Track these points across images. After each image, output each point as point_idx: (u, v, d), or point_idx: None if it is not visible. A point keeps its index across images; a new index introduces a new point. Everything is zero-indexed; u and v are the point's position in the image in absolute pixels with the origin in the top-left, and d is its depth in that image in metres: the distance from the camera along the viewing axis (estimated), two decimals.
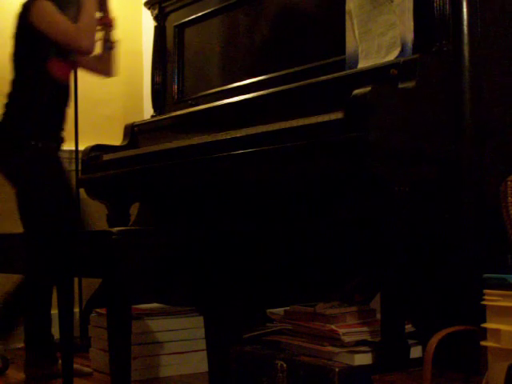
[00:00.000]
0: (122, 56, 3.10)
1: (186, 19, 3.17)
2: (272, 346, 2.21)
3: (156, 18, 3.36)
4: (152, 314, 2.69)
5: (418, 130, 2.02)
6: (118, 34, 2.95)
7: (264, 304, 2.46)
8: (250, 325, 2.42)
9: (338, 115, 2.02)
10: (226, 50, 3.01)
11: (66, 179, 2.74)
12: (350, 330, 2.05)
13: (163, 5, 3.31)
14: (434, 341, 1.77)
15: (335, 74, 2.31)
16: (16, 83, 2.68)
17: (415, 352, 2.04)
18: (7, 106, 2.69)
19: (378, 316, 2.10)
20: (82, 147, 3.24)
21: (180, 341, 2.68)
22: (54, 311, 2.47)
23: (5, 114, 2.68)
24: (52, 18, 2.62)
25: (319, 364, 2.00)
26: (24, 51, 2.68)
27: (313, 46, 2.59)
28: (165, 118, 3.10)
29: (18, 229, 3.44)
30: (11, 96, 2.69)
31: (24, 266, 2.32)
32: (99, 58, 2.92)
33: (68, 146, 3.51)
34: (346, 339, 2.02)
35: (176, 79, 3.21)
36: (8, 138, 2.66)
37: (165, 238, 2.35)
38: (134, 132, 3.25)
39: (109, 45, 2.93)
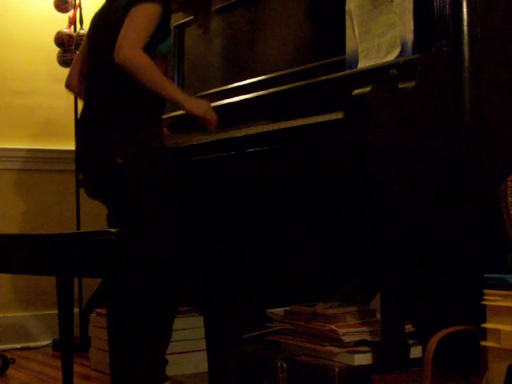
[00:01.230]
0: None
1: (186, 19, 3.17)
2: (272, 345, 2.21)
3: None
4: None
5: (418, 130, 2.02)
6: None
7: (264, 304, 2.46)
8: (250, 325, 2.42)
9: (337, 115, 2.02)
10: (226, 49, 3.00)
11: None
12: (350, 329, 2.04)
13: None
14: (433, 341, 1.77)
15: (335, 74, 2.31)
16: (114, 78, 2.42)
17: (415, 352, 2.04)
18: (108, 100, 2.46)
19: (378, 316, 2.10)
20: None
21: (180, 341, 2.68)
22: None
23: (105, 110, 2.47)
24: (140, 20, 2.36)
25: (319, 364, 2.00)
26: None
27: (313, 45, 2.59)
28: (165, 118, 3.09)
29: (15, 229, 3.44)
30: (108, 91, 2.46)
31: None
32: None
33: (68, 145, 3.52)
34: (346, 339, 2.01)
35: (176, 79, 3.20)
36: (109, 131, 2.43)
37: (165, 238, 2.35)
38: None
39: None
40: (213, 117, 2.52)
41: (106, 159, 2.41)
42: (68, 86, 2.72)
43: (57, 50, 3.57)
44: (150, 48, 2.39)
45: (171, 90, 2.50)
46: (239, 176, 2.46)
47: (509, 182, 1.97)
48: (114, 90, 2.46)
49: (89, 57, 2.60)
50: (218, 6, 2.99)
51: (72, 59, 3.52)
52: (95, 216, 3.38)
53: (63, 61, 3.57)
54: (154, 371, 2.38)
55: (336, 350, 2.02)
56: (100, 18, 2.59)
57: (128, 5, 2.39)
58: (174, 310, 2.48)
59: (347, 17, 2.38)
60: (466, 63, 2.10)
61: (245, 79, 2.81)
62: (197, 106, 2.53)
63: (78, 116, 3.07)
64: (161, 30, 2.43)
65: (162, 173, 2.44)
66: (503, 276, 1.68)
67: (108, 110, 2.46)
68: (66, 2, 3.55)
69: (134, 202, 2.41)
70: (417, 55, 2.09)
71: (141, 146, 2.41)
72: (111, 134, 2.42)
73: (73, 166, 3.29)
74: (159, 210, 2.41)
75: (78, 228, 3.54)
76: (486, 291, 1.68)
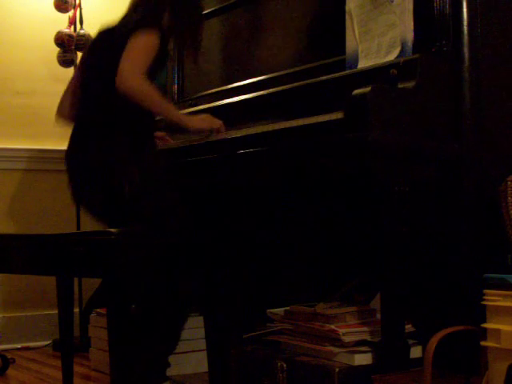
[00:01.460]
0: None
1: None
2: (272, 345, 2.22)
3: None
4: None
5: (418, 129, 2.02)
6: None
7: (264, 304, 2.46)
8: (250, 325, 2.42)
9: (338, 115, 2.02)
10: (225, 49, 3.00)
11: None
12: (350, 329, 2.05)
13: None
14: (433, 341, 1.77)
15: (335, 74, 2.31)
16: (105, 100, 2.43)
17: (415, 352, 2.04)
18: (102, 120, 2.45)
19: (378, 316, 2.10)
20: None
21: (180, 341, 2.68)
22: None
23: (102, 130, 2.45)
24: (140, 47, 2.36)
25: (319, 364, 2.00)
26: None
27: (313, 45, 2.59)
28: (162, 119, 3.10)
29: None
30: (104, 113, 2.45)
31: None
32: None
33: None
34: (346, 339, 2.02)
35: (176, 79, 3.20)
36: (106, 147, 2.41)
37: (165, 238, 2.35)
38: None
39: None
40: (219, 124, 2.54)
41: (106, 173, 2.40)
42: (59, 114, 2.68)
43: (57, 49, 3.57)
44: (149, 76, 2.39)
45: (174, 113, 2.54)
46: (239, 176, 2.46)
47: (509, 182, 1.97)
48: (110, 112, 2.44)
49: (84, 85, 2.56)
50: (217, 7, 3.00)
51: (72, 59, 3.54)
52: None
53: (63, 61, 3.57)
54: (154, 371, 2.38)
55: (336, 349, 2.02)
56: (95, 46, 2.57)
57: (127, 32, 2.40)
58: (180, 314, 2.48)
59: (347, 17, 2.38)
60: (466, 63, 2.10)
61: (245, 79, 2.81)
62: (199, 122, 2.55)
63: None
64: (159, 59, 2.44)
65: (162, 174, 2.45)
66: (503, 276, 1.68)
67: (105, 130, 2.45)
68: (66, 2, 3.55)
69: (135, 203, 2.41)
70: (417, 55, 2.09)
71: (140, 155, 2.41)
72: (110, 149, 2.41)
73: None
74: (159, 211, 2.41)
75: (78, 228, 3.54)
76: (485, 291, 1.68)
